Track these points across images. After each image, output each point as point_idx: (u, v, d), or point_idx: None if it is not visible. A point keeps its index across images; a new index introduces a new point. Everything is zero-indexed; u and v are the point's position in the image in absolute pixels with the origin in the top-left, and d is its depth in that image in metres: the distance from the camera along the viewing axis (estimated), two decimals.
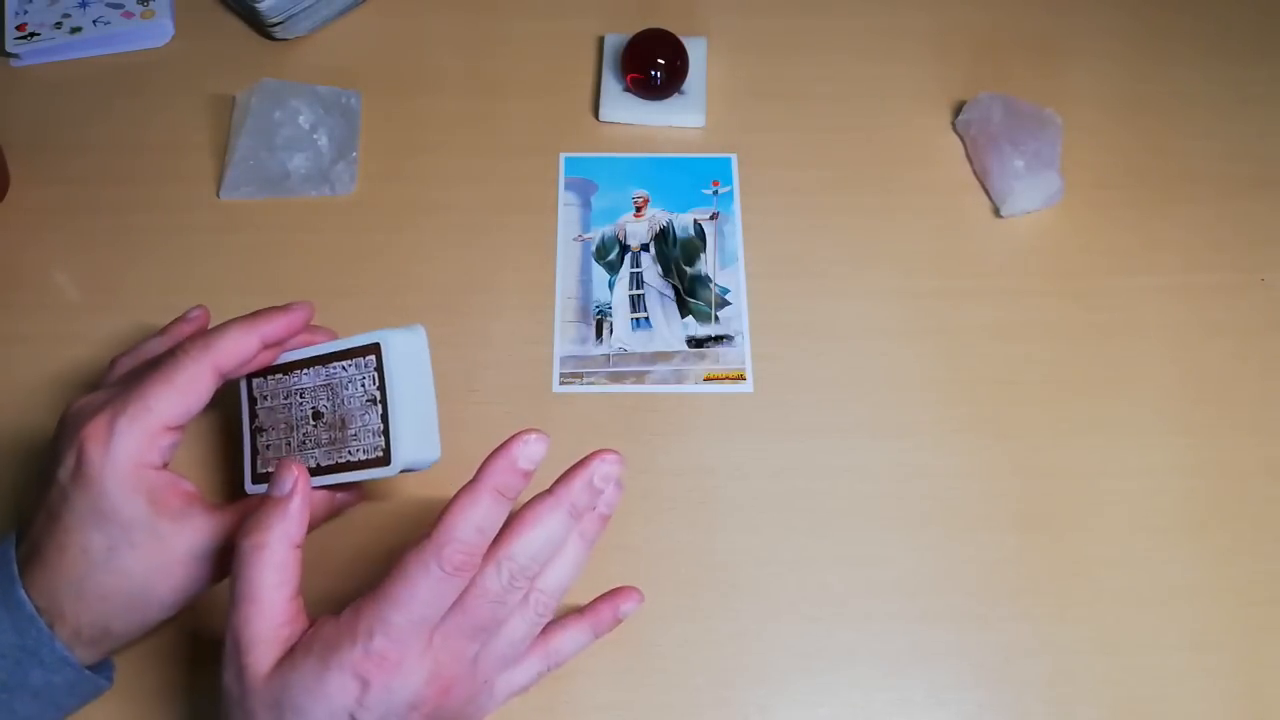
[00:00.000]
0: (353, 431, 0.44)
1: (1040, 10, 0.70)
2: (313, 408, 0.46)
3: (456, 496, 0.38)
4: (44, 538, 0.40)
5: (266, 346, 0.44)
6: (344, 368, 0.45)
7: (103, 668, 0.43)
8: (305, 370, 0.46)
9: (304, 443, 0.45)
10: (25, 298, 0.57)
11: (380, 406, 0.44)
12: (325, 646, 0.37)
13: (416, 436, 0.44)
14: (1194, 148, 0.64)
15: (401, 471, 0.43)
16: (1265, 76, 0.67)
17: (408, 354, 0.44)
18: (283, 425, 0.46)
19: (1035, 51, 0.68)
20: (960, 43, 0.68)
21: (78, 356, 0.55)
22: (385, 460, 0.43)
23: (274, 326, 0.44)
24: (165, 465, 0.42)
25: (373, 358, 0.44)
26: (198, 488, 0.43)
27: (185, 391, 0.41)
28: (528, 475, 0.38)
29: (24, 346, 0.56)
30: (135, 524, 0.40)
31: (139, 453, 0.40)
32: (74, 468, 0.40)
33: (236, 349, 0.43)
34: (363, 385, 0.44)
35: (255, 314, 0.44)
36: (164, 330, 0.48)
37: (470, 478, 0.38)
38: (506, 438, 0.38)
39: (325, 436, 0.45)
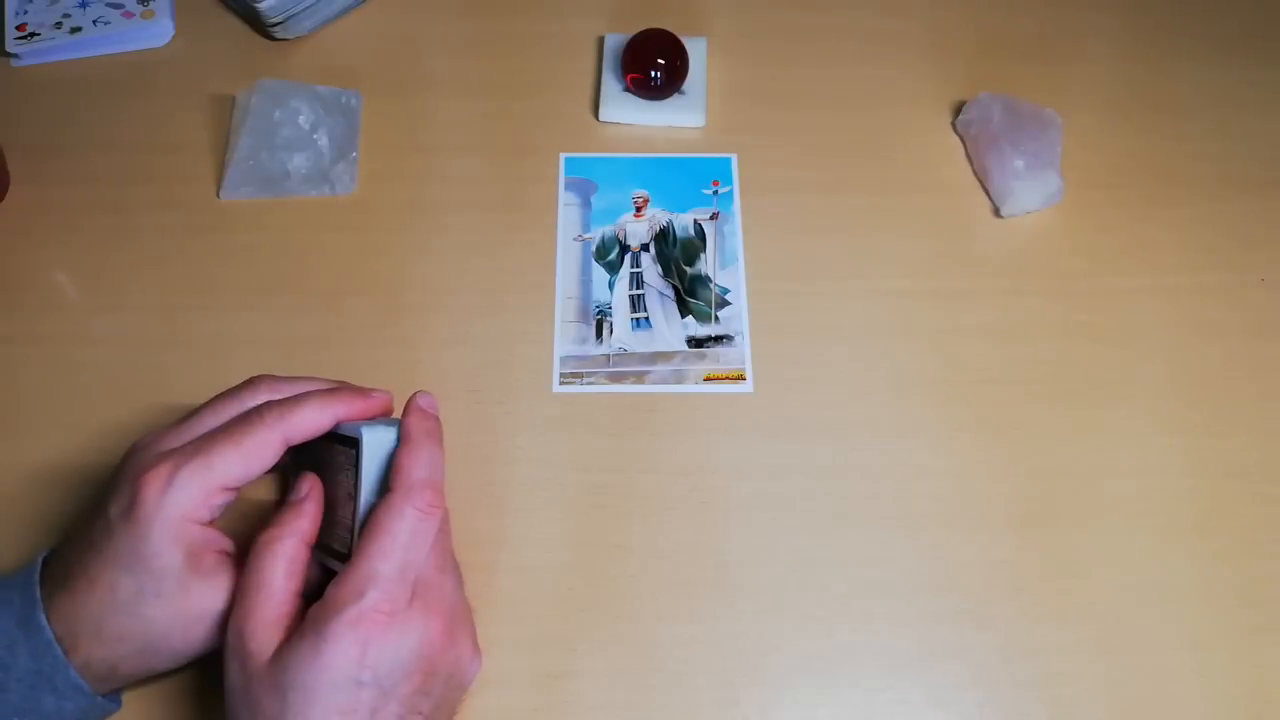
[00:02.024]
0: (337, 517, 0.44)
1: (1040, 10, 0.70)
2: (324, 480, 0.45)
3: (400, 454, 0.42)
4: (78, 567, 0.40)
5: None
6: (338, 452, 0.44)
7: (111, 692, 0.43)
8: (317, 441, 0.45)
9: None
10: (25, 298, 0.57)
11: (352, 503, 0.43)
12: (317, 622, 0.38)
13: None
14: (1194, 148, 0.64)
15: None
16: (1266, 77, 0.67)
17: (384, 450, 0.43)
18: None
19: (1035, 51, 0.68)
20: (960, 43, 0.68)
21: (77, 356, 0.55)
22: (348, 559, 0.42)
23: (350, 410, 0.44)
24: (213, 522, 0.42)
25: (354, 451, 0.43)
26: (234, 547, 0.43)
27: (250, 457, 0.41)
28: (437, 419, 0.44)
29: (24, 346, 0.56)
30: (167, 574, 0.40)
31: (190, 507, 0.40)
32: (126, 507, 0.40)
33: (310, 426, 0.43)
34: (347, 474, 0.43)
35: (334, 392, 0.45)
36: (332, 389, 0.46)
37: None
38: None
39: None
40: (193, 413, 0.44)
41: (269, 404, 0.43)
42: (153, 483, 0.40)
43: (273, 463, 0.42)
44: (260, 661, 0.38)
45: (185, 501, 0.40)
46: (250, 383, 0.45)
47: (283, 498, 0.49)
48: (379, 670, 0.38)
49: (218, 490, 0.41)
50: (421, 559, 0.40)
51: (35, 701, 0.39)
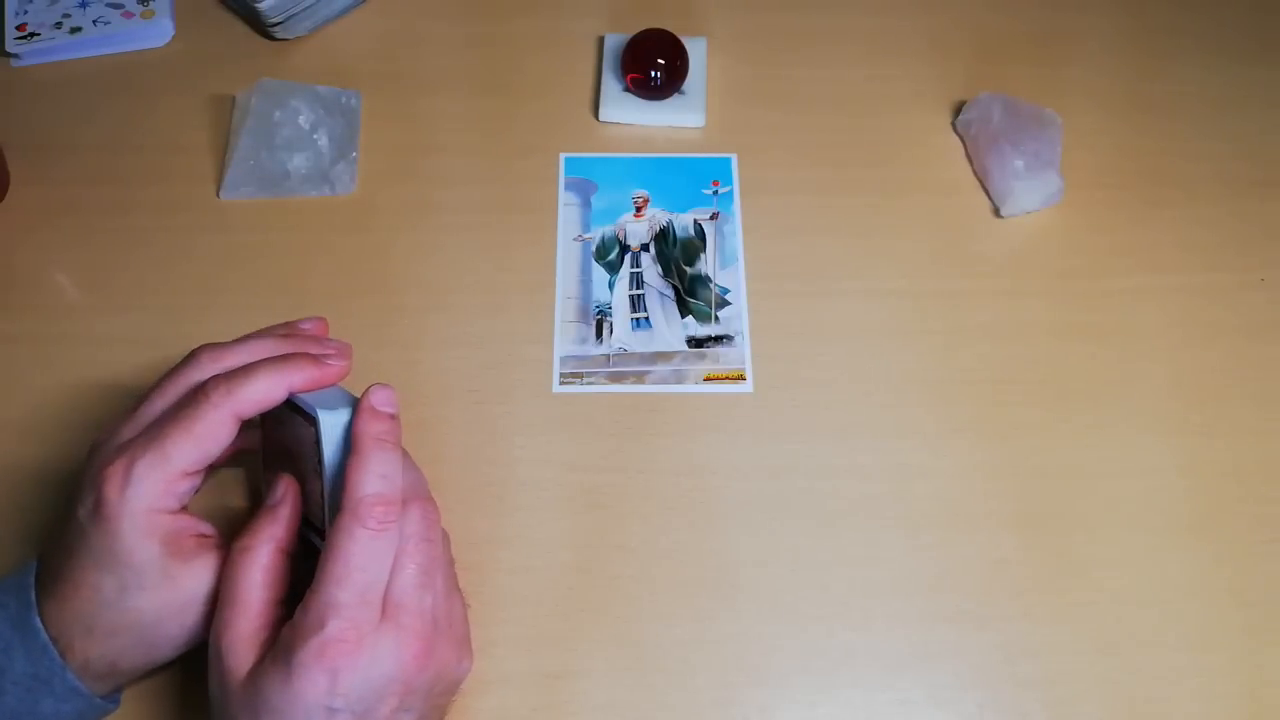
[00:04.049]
0: (307, 490, 0.43)
1: (1040, 10, 0.70)
2: (286, 447, 0.45)
3: (348, 468, 0.39)
4: (60, 571, 0.40)
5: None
6: (300, 423, 0.43)
7: (114, 690, 0.43)
8: (282, 407, 0.43)
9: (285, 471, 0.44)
10: (25, 298, 0.57)
11: (320, 480, 0.42)
12: (286, 649, 0.37)
13: None
14: (1194, 148, 0.64)
15: None
16: (1265, 76, 0.67)
17: (346, 432, 0.42)
18: (275, 441, 0.46)
19: (1035, 51, 0.68)
20: (960, 43, 0.68)
21: (77, 356, 0.55)
22: (323, 535, 0.42)
23: (302, 377, 0.42)
24: (184, 508, 0.41)
25: (314, 429, 0.42)
26: (213, 528, 0.43)
27: (203, 439, 0.40)
28: (393, 417, 0.41)
29: (23, 346, 0.56)
30: (147, 567, 0.39)
31: (155, 499, 0.39)
32: (92, 508, 0.40)
33: (261, 399, 0.41)
34: (310, 448, 0.42)
35: (287, 361, 0.42)
36: (275, 330, 0.45)
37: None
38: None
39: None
40: (142, 398, 0.43)
41: (216, 380, 0.41)
42: (111, 480, 0.39)
43: (229, 440, 0.41)
44: (236, 678, 0.38)
45: (147, 494, 0.39)
46: (193, 356, 0.43)
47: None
48: (351, 696, 0.37)
49: (178, 478, 0.40)
50: (382, 577, 0.38)
51: (33, 705, 0.39)
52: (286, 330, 0.46)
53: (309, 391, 0.42)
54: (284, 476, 0.43)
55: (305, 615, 0.37)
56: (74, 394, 0.54)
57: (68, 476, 0.51)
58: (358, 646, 0.37)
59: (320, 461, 0.42)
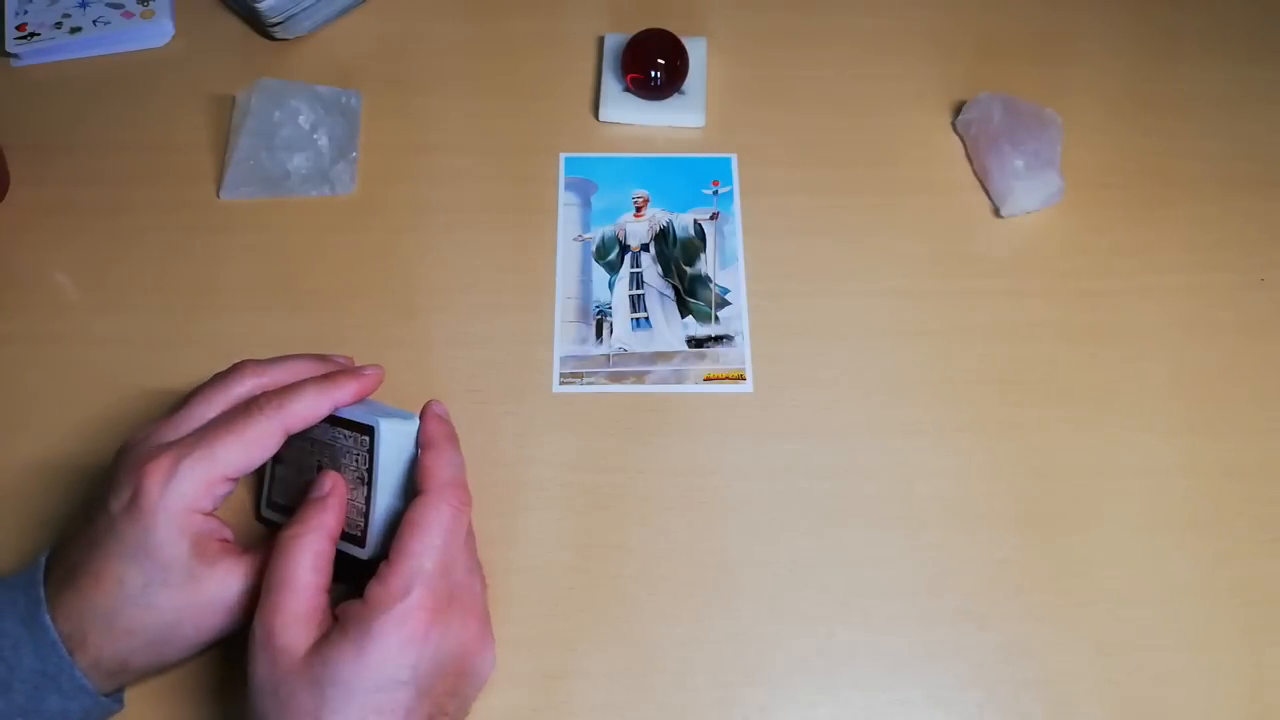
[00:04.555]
0: (348, 499, 0.45)
1: (1041, 10, 0.70)
2: (317, 460, 0.46)
3: (424, 458, 0.43)
4: (81, 564, 0.40)
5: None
6: (344, 436, 0.45)
7: (119, 690, 0.43)
8: (319, 422, 0.45)
9: (307, 488, 0.45)
10: (24, 297, 0.57)
11: (366, 488, 0.44)
12: (360, 620, 0.38)
13: (394, 527, 0.43)
14: (1194, 147, 0.64)
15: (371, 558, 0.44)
16: (1266, 76, 0.67)
17: (402, 442, 0.44)
18: (296, 465, 0.47)
19: (1035, 51, 0.68)
20: (960, 43, 0.68)
21: (78, 356, 0.55)
22: (361, 542, 0.44)
23: (346, 393, 0.44)
24: (213, 511, 0.42)
25: (367, 439, 0.44)
26: (234, 533, 0.43)
27: (251, 447, 0.42)
28: (451, 424, 0.46)
29: (23, 346, 0.56)
30: (174, 565, 0.40)
31: (194, 498, 0.40)
32: (129, 500, 0.40)
33: (309, 415, 0.43)
34: (356, 459, 0.44)
35: (330, 378, 0.45)
36: (316, 356, 0.48)
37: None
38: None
39: None
40: (182, 404, 0.44)
41: (267, 395, 0.43)
42: (154, 474, 0.40)
43: (274, 451, 0.43)
44: (292, 658, 0.38)
45: (188, 492, 0.40)
46: (236, 369, 0.45)
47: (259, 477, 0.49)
48: (419, 669, 0.38)
49: (219, 480, 0.41)
50: (457, 556, 0.41)
51: (40, 702, 0.39)
52: (321, 356, 0.48)
53: (349, 407, 0.45)
54: (329, 472, 0.44)
55: (384, 586, 0.39)
56: (73, 393, 0.54)
57: (66, 474, 0.51)
58: (435, 617, 0.39)
59: (370, 468, 0.44)
